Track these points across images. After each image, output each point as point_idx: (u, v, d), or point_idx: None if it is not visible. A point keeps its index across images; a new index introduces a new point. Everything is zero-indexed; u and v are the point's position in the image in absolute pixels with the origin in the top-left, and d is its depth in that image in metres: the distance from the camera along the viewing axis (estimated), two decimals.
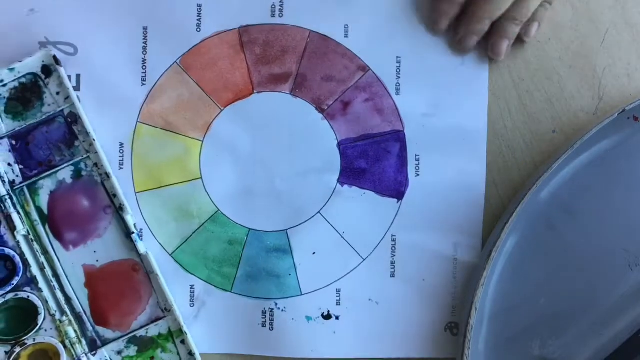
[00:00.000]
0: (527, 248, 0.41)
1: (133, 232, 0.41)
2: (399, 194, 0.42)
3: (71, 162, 0.41)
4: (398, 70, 0.42)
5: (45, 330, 0.41)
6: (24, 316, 0.40)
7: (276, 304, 0.42)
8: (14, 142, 0.41)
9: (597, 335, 0.40)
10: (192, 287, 0.42)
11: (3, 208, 0.40)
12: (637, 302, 0.40)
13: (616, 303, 0.40)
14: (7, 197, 0.40)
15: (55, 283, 0.41)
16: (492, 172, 0.42)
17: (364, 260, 0.42)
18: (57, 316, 0.41)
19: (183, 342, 0.41)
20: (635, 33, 0.43)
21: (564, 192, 0.41)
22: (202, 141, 0.42)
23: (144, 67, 0.41)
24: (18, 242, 0.40)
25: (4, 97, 0.41)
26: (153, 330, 0.41)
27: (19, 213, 0.41)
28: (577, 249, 0.41)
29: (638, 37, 0.43)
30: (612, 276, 0.40)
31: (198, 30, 0.41)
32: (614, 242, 0.40)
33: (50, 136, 0.41)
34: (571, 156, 0.40)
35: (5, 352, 0.40)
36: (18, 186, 0.41)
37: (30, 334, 0.40)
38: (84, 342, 0.41)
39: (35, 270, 0.40)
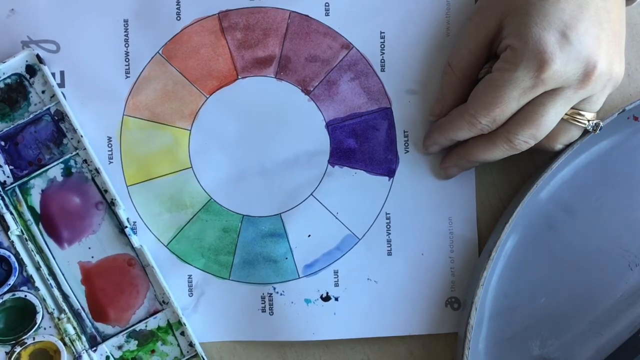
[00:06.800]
0: (527, 248, 0.40)
1: (126, 227, 0.41)
2: (389, 172, 0.42)
3: (61, 160, 0.41)
4: (382, 46, 0.41)
5: (45, 329, 0.41)
6: (23, 316, 0.40)
7: (274, 289, 0.42)
8: (3, 143, 0.41)
9: (597, 335, 0.40)
10: (189, 277, 0.42)
11: None
12: (637, 302, 0.40)
13: (616, 303, 0.40)
14: None
15: (51, 281, 0.41)
16: (492, 172, 0.42)
17: (360, 240, 0.42)
18: (56, 314, 0.40)
19: (183, 333, 0.41)
20: (635, 33, 0.42)
21: (564, 192, 0.40)
22: (190, 130, 0.41)
23: (126, 60, 0.41)
24: (12, 242, 0.40)
25: None
26: (152, 324, 0.41)
27: (11, 213, 0.40)
28: (577, 249, 0.40)
29: (638, 37, 0.43)
30: (612, 276, 0.40)
31: (178, 19, 0.41)
32: (614, 242, 0.40)
33: (39, 135, 0.41)
34: (571, 156, 0.39)
35: (5, 352, 0.40)
36: (9, 187, 0.41)
37: (30, 333, 0.40)
38: (83, 338, 0.41)
39: (31, 269, 0.40)
